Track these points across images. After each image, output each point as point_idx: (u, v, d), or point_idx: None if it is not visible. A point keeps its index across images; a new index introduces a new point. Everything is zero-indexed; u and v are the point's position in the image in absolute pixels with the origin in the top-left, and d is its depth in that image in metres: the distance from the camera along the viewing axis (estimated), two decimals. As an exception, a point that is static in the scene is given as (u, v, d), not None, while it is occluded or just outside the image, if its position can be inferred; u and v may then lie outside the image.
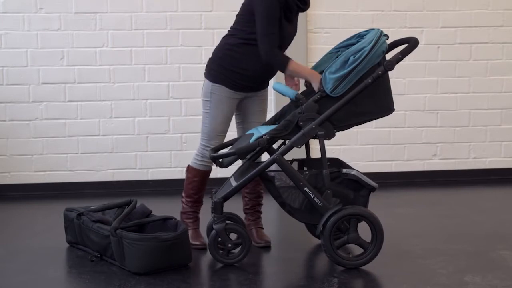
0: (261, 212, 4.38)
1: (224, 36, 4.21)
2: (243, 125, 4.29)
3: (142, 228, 4.02)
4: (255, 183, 4.22)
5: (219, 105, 4.11)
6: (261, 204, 4.38)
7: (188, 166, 4.27)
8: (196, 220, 4.28)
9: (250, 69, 4.05)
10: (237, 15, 4.17)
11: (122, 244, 3.72)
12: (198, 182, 4.24)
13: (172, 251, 3.72)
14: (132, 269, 3.71)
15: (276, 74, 4.22)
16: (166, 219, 4.03)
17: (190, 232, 4.15)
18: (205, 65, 4.24)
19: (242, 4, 4.14)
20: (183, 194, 4.29)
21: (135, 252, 3.67)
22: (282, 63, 3.93)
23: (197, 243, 4.17)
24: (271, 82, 4.29)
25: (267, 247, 4.25)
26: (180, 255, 3.79)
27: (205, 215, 4.24)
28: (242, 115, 4.27)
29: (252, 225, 4.34)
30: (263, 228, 4.36)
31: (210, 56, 4.22)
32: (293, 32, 4.14)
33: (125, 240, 3.70)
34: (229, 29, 4.20)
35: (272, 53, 3.92)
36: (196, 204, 4.27)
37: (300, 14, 4.23)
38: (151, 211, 4.17)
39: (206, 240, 4.02)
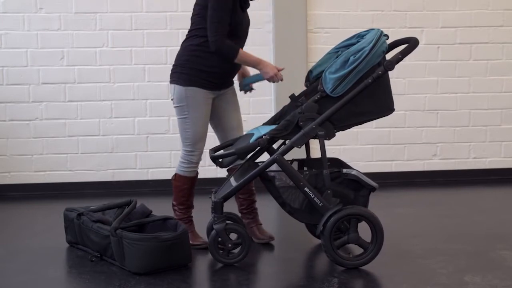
0: (257, 209, 4.39)
1: (184, 40, 4.20)
2: (221, 126, 4.28)
3: (142, 228, 4.02)
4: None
5: (197, 107, 4.09)
6: (255, 201, 4.38)
7: (176, 174, 4.24)
8: (191, 223, 4.28)
9: (218, 65, 4.05)
10: (192, 17, 4.16)
11: (122, 244, 3.72)
12: (188, 189, 4.24)
13: (172, 251, 3.72)
14: (132, 269, 3.71)
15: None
16: (166, 219, 4.02)
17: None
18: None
19: (195, 4, 4.14)
20: (174, 202, 4.27)
21: (135, 252, 3.67)
22: (232, 51, 3.97)
23: (198, 243, 4.17)
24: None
25: (269, 244, 4.25)
26: (180, 255, 3.79)
27: (206, 215, 4.24)
28: (217, 116, 4.26)
29: (251, 224, 4.35)
30: (262, 224, 4.38)
31: (174, 62, 4.20)
32: (248, 22, 4.20)
33: (125, 240, 3.70)
34: (187, 32, 4.20)
35: (221, 41, 3.94)
36: (188, 209, 4.28)
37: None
38: (151, 211, 4.17)
39: (206, 240, 4.02)
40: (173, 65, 4.20)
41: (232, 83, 4.29)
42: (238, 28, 4.08)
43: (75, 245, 4.24)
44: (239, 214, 4.34)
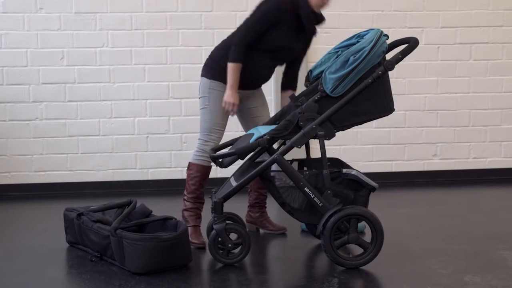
0: (266, 203, 4.57)
1: (229, 36, 4.30)
2: (254, 124, 4.40)
3: (142, 228, 4.02)
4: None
5: (218, 100, 4.21)
6: (267, 196, 4.55)
7: (189, 163, 4.31)
8: (198, 217, 4.29)
9: (248, 72, 4.17)
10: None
11: (122, 244, 3.72)
12: (200, 178, 4.27)
13: (172, 251, 3.72)
14: (132, 269, 3.71)
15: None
16: (166, 219, 4.02)
17: (190, 230, 4.18)
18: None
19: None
20: (185, 192, 4.31)
21: (135, 252, 3.67)
22: (232, 56, 4.09)
23: (197, 241, 4.18)
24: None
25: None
26: (180, 255, 3.79)
27: (206, 215, 4.25)
28: (247, 115, 4.40)
29: (261, 217, 4.53)
30: (269, 217, 4.56)
31: (209, 54, 4.31)
32: (300, 50, 4.32)
33: (125, 240, 3.70)
34: (235, 29, 4.29)
35: (236, 45, 4.09)
36: (198, 200, 4.29)
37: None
38: (151, 211, 4.17)
39: (207, 240, 4.02)
40: (207, 58, 4.33)
41: (261, 85, 4.39)
42: (279, 51, 4.21)
43: (75, 245, 4.24)
44: (243, 213, 4.37)
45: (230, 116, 4.26)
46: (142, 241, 3.67)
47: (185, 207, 4.30)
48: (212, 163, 4.18)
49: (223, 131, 4.29)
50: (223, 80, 4.19)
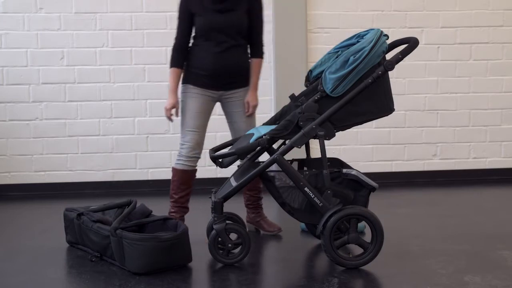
0: (262, 204, 4.55)
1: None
2: (233, 128, 4.42)
3: (142, 228, 4.02)
4: (255, 180, 4.25)
5: (187, 101, 4.30)
6: (261, 198, 4.55)
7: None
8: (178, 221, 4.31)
9: (199, 67, 4.26)
10: None
11: (122, 244, 3.72)
12: (177, 182, 4.33)
13: (172, 251, 3.72)
14: (132, 269, 3.71)
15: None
16: (166, 219, 4.03)
17: None
18: None
19: None
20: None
21: (135, 252, 3.67)
22: (172, 58, 4.31)
23: None
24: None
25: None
26: (180, 255, 3.79)
27: (206, 215, 4.25)
28: (229, 119, 4.43)
29: (257, 217, 4.52)
30: (267, 217, 4.55)
31: None
32: (229, 23, 4.23)
33: (125, 240, 3.70)
34: None
35: (172, 49, 4.32)
36: (177, 205, 4.31)
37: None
38: (151, 211, 4.17)
39: (206, 240, 4.01)
40: None
41: (240, 86, 4.33)
42: (207, 31, 4.22)
43: (75, 245, 4.24)
44: (243, 213, 4.38)
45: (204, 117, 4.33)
46: (142, 241, 3.67)
47: (170, 209, 4.39)
48: (193, 167, 4.29)
49: (198, 132, 4.28)
50: (190, 81, 4.29)
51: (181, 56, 4.29)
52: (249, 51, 4.35)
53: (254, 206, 4.52)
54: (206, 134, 4.39)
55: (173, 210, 4.34)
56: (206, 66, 4.24)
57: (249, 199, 4.51)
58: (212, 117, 4.42)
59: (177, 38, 4.30)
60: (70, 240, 4.28)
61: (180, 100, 4.34)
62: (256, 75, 4.36)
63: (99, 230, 3.92)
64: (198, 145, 4.29)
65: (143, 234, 3.81)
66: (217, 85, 4.29)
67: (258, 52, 4.36)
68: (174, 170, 4.34)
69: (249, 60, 4.35)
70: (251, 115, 4.38)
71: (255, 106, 4.34)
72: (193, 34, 4.31)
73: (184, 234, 3.80)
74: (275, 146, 4.15)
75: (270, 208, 4.83)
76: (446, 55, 6.18)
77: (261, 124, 4.25)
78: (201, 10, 4.21)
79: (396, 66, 3.75)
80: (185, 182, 4.31)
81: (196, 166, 4.35)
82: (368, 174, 3.92)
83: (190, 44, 4.32)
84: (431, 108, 6.20)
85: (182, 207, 4.33)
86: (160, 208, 4.42)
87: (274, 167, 3.87)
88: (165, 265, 3.74)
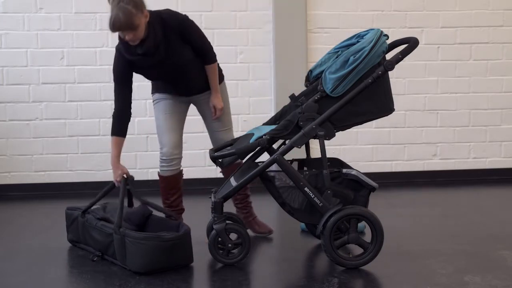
0: (251, 202, 4.49)
1: None
2: (207, 128, 4.40)
3: (143, 228, 4.02)
4: None
5: (157, 106, 4.32)
6: (249, 195, 4.48)
7: None
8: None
9: (164, 91, 4.28)
10: None
11: (124, 243, 3.72)
12: (165, 188, 4.32)
13: (173, 251, 3.72)
14: (133, 268, 3.71)
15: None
16: (168, 218, 4.04)
17: None
18: None
19: None
20: None
21: (137, 250, 3.67)
22: (113, 125, 4.24)
23: None
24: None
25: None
26: (181, 256, 3.79)
27: (206, 215, 4.24)
28: (203, 119, 4.41)
29: (248, 217, 4.45)
30: (257, 216, 4.48)
31: None
32: (166, 70, 4.13)
33: (128, 239, 3.70)
34: None
35: (112, 118, 4.22)
36: (171, 208, 4.31)
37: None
38: (152, 212, 4.17)
39: (206, 240, 4.01)
40: None
41: (207, 89, 4.28)
42: (151, 76, 4.23)
43: (76, 244, 4.24)
44: (234, 209, 4.37)
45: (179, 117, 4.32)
46: (145, 240, 3.67)
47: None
48: (177, 169, 4.27)
49: (174, 132, 4.24)
50: (158, 90, 4.30)
51: (123, 125, 4.19)
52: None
53: (243, 204, 4.45)
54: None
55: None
56: (168, 91, 4.26)
57: (236, 198, 4.43)
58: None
59: (116, 105, 4.16)
60: (71, 239, 4.28)
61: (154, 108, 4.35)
62: (214, 80, 4.24)
63: (103, 228, 3.92)
64: (176, 146, 4.24)
65: (146, 233, 3.81)
66: (186, 94, 4.29)
67: (208, 60, 4.21)
68: (160, 177, 4.32)
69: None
70: (218, 118, 4.31)
71: (221, 109, 4.28)
72: None
73: (186, 235, 3.80)
74: (275, 146, 4.15)
75: (270, 208, 4.83)
76: (446, 55, 6.18)
77: (261, 124, 4.25)
78: (138, 69, 4.13)
79: (396, 66, 3.75)
80: (173, 186, 4.29)
81: (180, 167, 4.30)
82: (368, 174, 3.92)
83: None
84: (431, 108, 6.20)
85: (177, 210, 4.32)
86: (160, 208, 4.42)
87: (274, 167, 3.87)
88: (166, 265, 3.74)
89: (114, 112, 4.18)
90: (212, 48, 4.21)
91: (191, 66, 4.16)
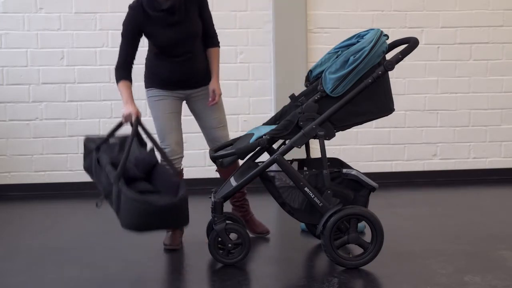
0: (248, 201, 4.46)
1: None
2: (202, 125, 4.37)
3: (150, 177, 3.89)
4: None
5: (156, 105, 4.26)
6: (246, 193, 4.45)
7: None
8: None
9: (162, 76, 4.22)
10: None
11: (120, 197, 3.61)
12: None
13: (167, 216, 3.58)
14: (123, 224, 3.61)
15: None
16: (174, 175, 3.95)
17: (168, 234, 4.22)
18: None
19: None
20: None
21: (129, 209, 3.55)
22: (116, 74, 4.20)
23: (169, 244, 4.19)
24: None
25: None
26: (174, 221, 3.68)
27: (206, 215, 4.24)
28: (197, 117, 4.38)
29: (245, 216, 4.43)
30: (254, 215, 4.46)
31: None
32: (183, 35, 4.14)
33: (123, 194, 3.58)
34: None
35: (115, 68, 4.20)
36: None
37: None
38: (157, 161, 4.04)
39: (206, 240, 4.01)
40: None
41: (207, 83, 4.27)
42: (163, 48, 4.17)
43: (90, 174, 4.09)
44: (231, 208, 4.37)
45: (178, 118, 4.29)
46: (136, 202, 3.53)
47: None
48: (179, 167, 4.20)
49: (176, 132, 4.24)
50: (154, 85, 4.26)
51: (127, 71, 4.19)
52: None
53: (240, 203, 4.43)
54: (178, 133, 4.33)
55: None
56: (169, 77, 4.20)
57: (234, 196, 4.39)
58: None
59: (120, 58, 4.18)
60: (87, 168, 4.13)
61: (149, 105, 4.31)
62: (216, 64, 4.29)
63: (109, 175, 3.77)
64: (178, 146, 4.23)
65: (138, 195, 3.62)
66: (184, 86, 4.26)
67: (215, 42, 4.30)
68: None
69: (206, 52, 4.29)
70: (216, 105, 4.26)
71: (219, 96, 4.26)
72: (147, 47, 4.27)
73: (182, 201, 3.64)
74: (275, 146, 4.15)
75: (270, 208, 4.83)
76: (446, 55, 6.18)
77: (261, 124, 4.25)
78: (152, 28, 4.12)
79: (396, 66, 3.75)
80: None
81: (181, 165, 4.29)
82: (368, 174, 3.92)
83: (148, 48, 4.27)
84: (431, 108, 6.20)
85: None
86: (160, 208, 4.41)
87: (274, 167, 3.87)
88: (156, 229, 3.65)
89: (117, 64, 4.19)
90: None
91: (198, 46, 4.20)
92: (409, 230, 4.57)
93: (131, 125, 3.95)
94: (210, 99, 4.23)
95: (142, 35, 4.18)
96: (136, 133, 3.94)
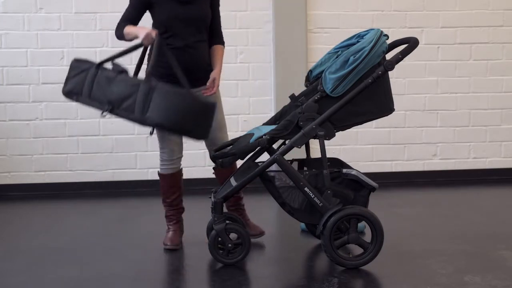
0: (244, 205, 4.43)
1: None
2: None
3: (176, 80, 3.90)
4: None
5: None
6: (242, 197, 4.42)
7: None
8: (176, 222, 4.29)
9: (164, 65, 4.01)
10: None
11: (150, 95, 3.64)
12: (166, 187, 4.28)
13: (202, 117, 3.67)
14: (154, 118, 3.63)
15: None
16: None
17: (169, 234, 4.22)
18: None
19: None
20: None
21: (166, 103, 3.60)
22: (117, 30, 4.09)
23: (169, 244, 4.19)
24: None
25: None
26: (201, 125, 3.75)
27: (206, 215, 4.25)
28: None
29: (241, 218, 4.37)
30: (249, 219, 4.43)
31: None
32: (195, 15, 4.09)
33: (158, 90, 3.62)
34: None
35: (115, 29, 4.10)
36: (171, 208, 4.29)
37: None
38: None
39: (206, 240, 4.01)
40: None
41: (202, 83, 4.16)
42: (171, 24, 4.05)
43: (74, 96, 4.06)
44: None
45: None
46: (180, 95, 3.62)
47: (166, 213, 4.35)
48: (178, 167, 4.22)
49: (172, 138, 4.18)
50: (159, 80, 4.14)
51: (127, 23, 4.09)
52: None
53: (236, 207, 4.38)
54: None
55: (169, 213, 4.31)
56: (169, 68, 4.02)
57: (229, 200, 4.32)
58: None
59: (122, 19, 4.11)
60: (70, 90, 4.09)
61: None
62: (220, 59, 4.22)
63: (127, 79, 3.78)
64: (178, 146, 4.23)
65: (180, 89, 3.73)
66: (184, 74, 4.11)
67: (220, 40, 4.26)
68: (161, 175, 4.28)
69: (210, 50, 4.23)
70: (213, 95, 4.16)
71: (217, 86, 4.17)
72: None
73: (214, 107, 3.81)
74: (275, 146, 4.15)
75: (270, 208, 4.83)
76: (446, 55, 6.18)
77: (261, 124, 4.25)
78: (163, 1, 4.05)
79: (396, 66, 3.76)
80: (174, 185, 4.27)
81: (180, 165, 4.29)
82: (368, 174, 3.92)
83: (147, 52, 4.15)
84: (431, 108, 6.20)
85: (177, 209, 4.31)
86: (161, 208, 4.42)
87: (274, 167, 3.87)
88: (185, 127, 3.71)
89: (117, 24, 4.11)
90: None
91: (202, 37, 4.14)
92: (409, 230, 4.57)
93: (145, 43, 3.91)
94: (208, 85, 4.11)
95: (149, 8, 4.09)
96: (160, 45, 3.89)
